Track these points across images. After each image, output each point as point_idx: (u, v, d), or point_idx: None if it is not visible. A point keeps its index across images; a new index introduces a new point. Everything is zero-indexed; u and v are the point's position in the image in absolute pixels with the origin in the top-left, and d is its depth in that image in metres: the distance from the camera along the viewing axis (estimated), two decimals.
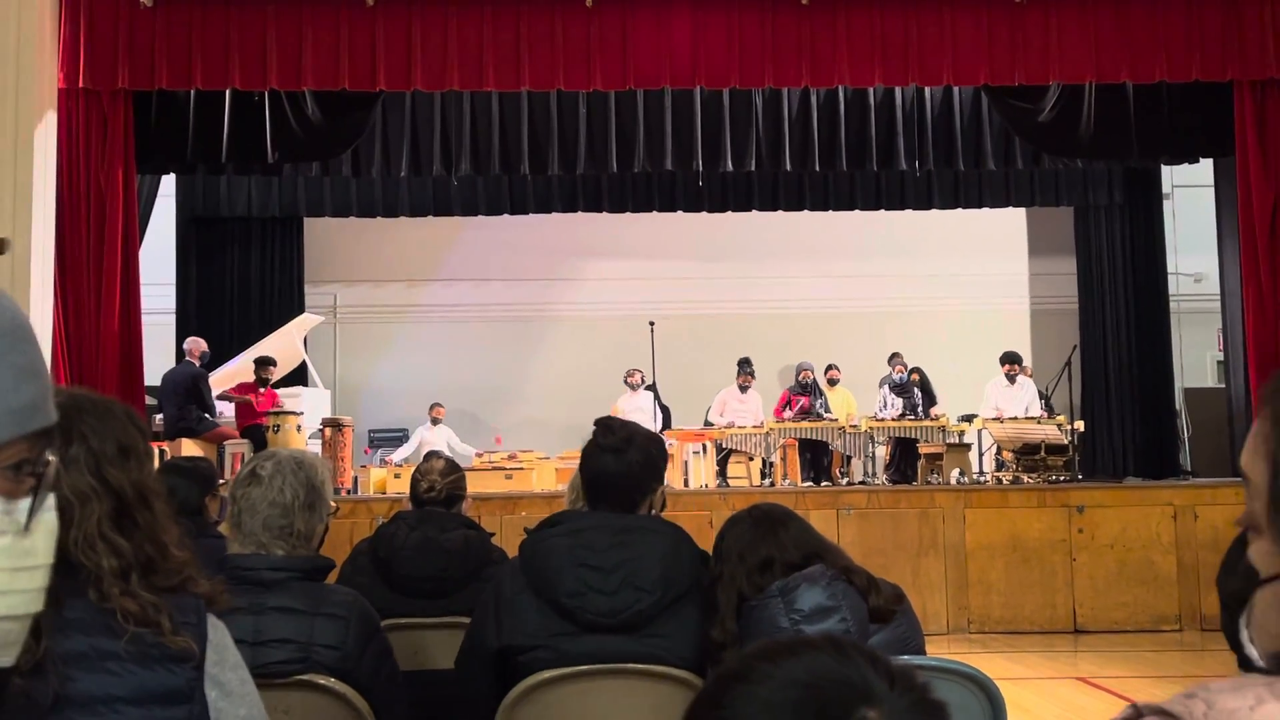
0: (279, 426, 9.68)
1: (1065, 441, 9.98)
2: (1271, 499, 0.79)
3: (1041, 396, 11.05)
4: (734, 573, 2.58)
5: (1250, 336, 9.60)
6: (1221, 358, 11.84)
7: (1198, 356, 13.62)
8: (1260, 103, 9.60)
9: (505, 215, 12.98)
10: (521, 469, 10.37)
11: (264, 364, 10.60)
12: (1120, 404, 12.99)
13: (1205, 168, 11.31)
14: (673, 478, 10.29)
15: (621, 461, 2.55)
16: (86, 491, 1.57)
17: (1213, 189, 11.09)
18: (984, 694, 2.55)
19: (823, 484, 10.36)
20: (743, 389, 11.40)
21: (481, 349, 13.79)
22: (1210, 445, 11.84)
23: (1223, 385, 11.64)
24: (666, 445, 10.47)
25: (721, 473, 10.67)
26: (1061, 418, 10.33)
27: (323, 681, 2.41)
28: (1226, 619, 1.46)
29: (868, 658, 0.79)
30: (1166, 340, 13.09)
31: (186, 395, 9.92)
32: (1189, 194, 13.09)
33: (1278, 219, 9.53)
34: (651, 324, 10.79)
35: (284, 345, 11.68)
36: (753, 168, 11.27)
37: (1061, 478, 9.67)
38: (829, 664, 0.78)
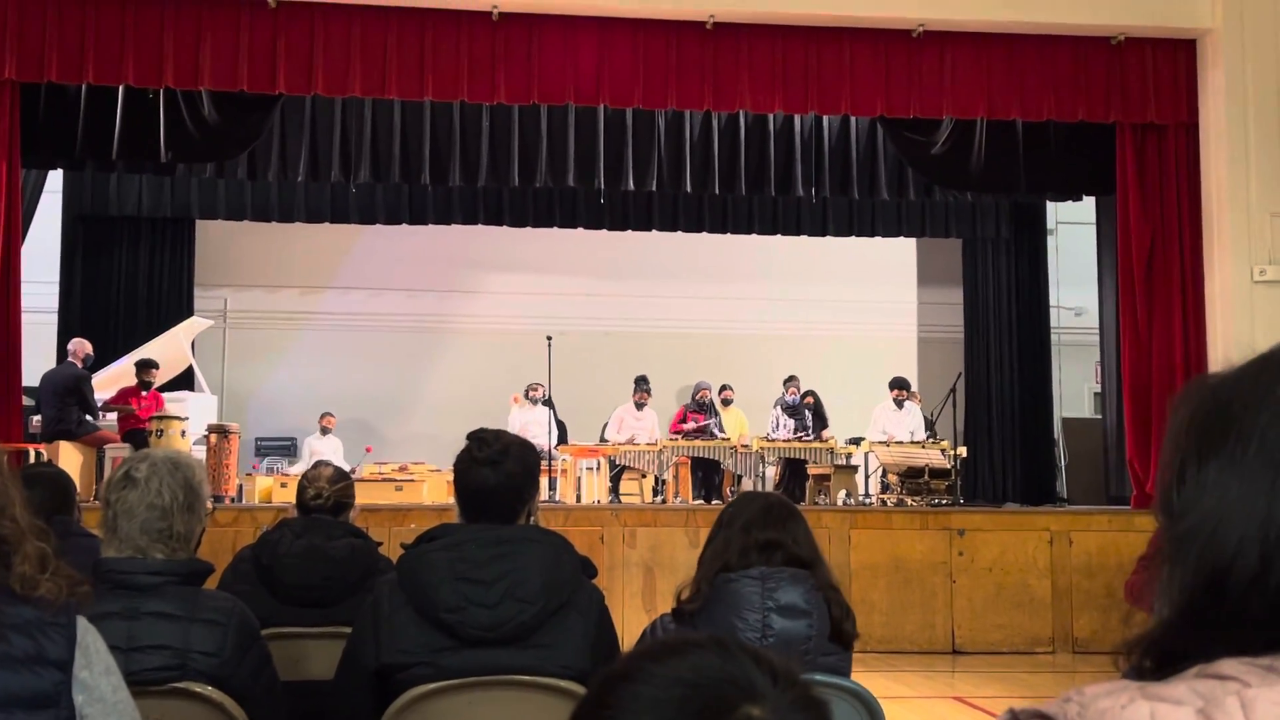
0: (162, 431, 9.42)
1: (948, 466, 10.19)
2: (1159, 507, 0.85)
3: (927, 422, 11.29)
4: (730, 540, 2.60)
5: (1126, 369, 9.93)
6: (1098, 389, 12.22)
7: (1076, 387, 14.05)
8: (1140, 145, 9.97)
9: (404, 225, 12.86)
10: (412, 480, 10.26)
11: (145, 367, 10.32)
12: (1001, 431, 13.32)
13: (1088, 205, 11.69)
14: (565, 493, 10.28)
15: (499, 473, 2.52)
16: None
17: (1094, 226, 11.48)
18: (865, 709, 2.59)
19: (714, 502, 10.41)
20: (639, 406, 11.42)
21: (375, 359, 13.62)
22: (1086, 473, 12.20)
23: (1099, 416, 12.02)
24: (559, 461, 10.49)
25: (614, 489, 10.68)
26: (945, 443, 10.54)
27: (199, 689, 2.35)
28: None
29: (752, 656, 0.80)
30: (1047, 371, 13.49)
31: (67, 396, 9.59)
32: (1072, 230, 13.51)
33: (1154, 257, 9.89)
34: (549, 339, 10.77)
35: (170, 349, 11.38)
36: (654, 188, 11.34)
37: (944, 501, 9.87)
38: (714, 662, 0.79)
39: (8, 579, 1.58)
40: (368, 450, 12.19)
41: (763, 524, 2.64)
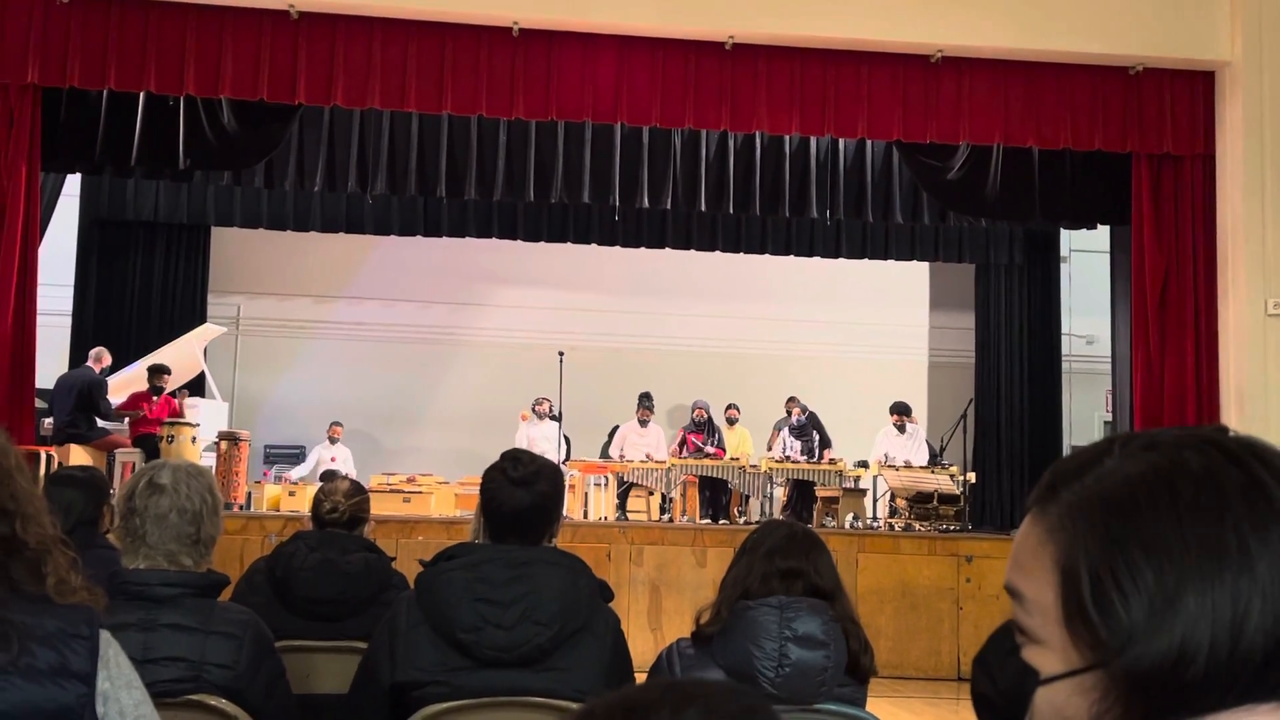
0: (173, 437, 9.43)
1: (957, 492, 10.16)
2: (1064, 617, 0.78)
3: (931, 448, 11.26)
4: (752, 566, 2.60)
5: (1137, 399, 9.90)
6: (1109, 418, 12.19)
7: (1086, 416, 14.01)
8: (1156, 175, 9.96)
9: (419, 236, 12.88)
10: (420, 493, 10.24)
11: (157, 372, 10.34)
12: (1010, 458, 13.27)
13: (1102, 234, 11.68)
14: (573, 509, 10.26)
15: (532, 493, 2.52)
16: None
17: (1108, 255, 11.46)
18: None
19: (720, 522, 10.40)
20: (642, 423, 11.42)
21: (385, 370, 13.62)
22: None
23: None
24: (567, 477, 10.49)
25: (621, 506, 10.66)
26: (954, 468, 10.52)
27: (213, 702, 2.35)
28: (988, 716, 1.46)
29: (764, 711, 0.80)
30: (1057, 398, 13.45)
31: (80, 400, 9.62)
32: (1085, 258, 13.49)
33: (1168, 287, 9.87)
34: (561, 354, 10.77)
35: (183, 355, 11.40)
36: (668, 206, 11.35)
37: (952, 527, 9.84)
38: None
39: (40, 587, 1.58)
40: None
41: (785, 552, 2.64)
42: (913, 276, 14.22)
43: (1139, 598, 0.74)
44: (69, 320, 12.28)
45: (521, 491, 2.52)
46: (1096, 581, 0.76)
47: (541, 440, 10.86)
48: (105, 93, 9.42)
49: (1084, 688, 0.76)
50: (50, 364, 10.57)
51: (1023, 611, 0.82)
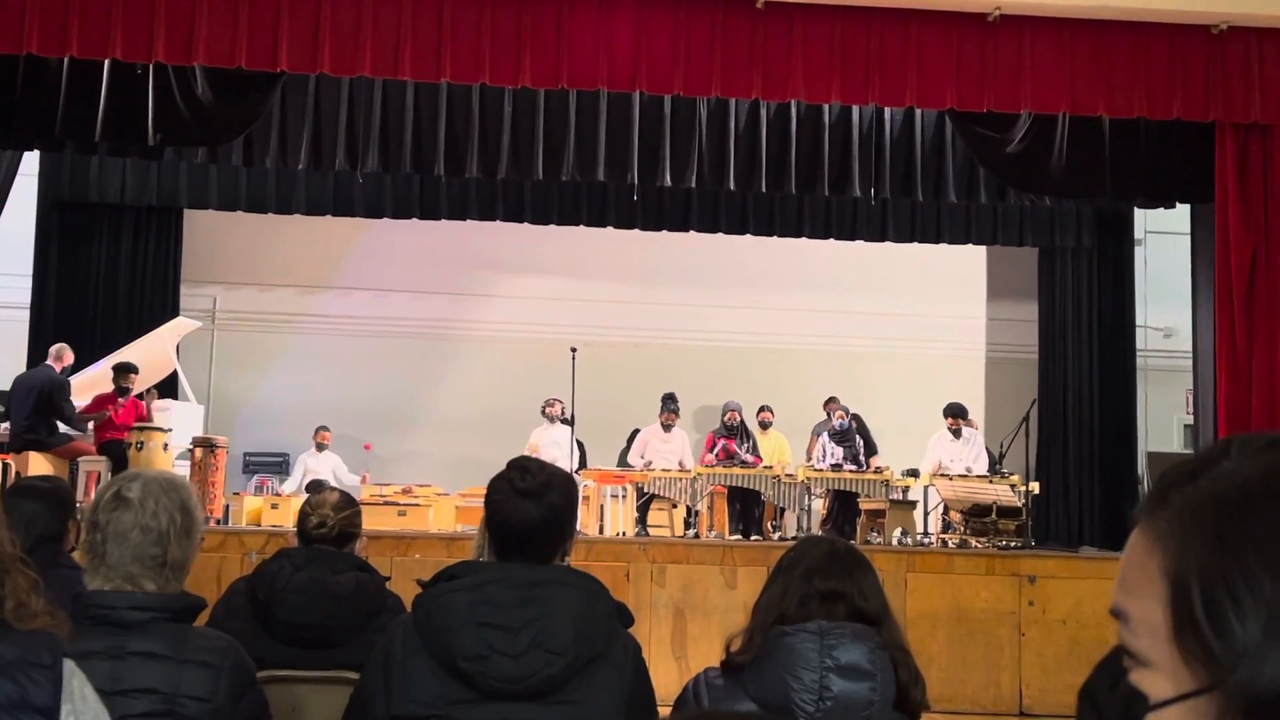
0: (142, 444, 9.49)
1: (1019, 504, 10.12)
2: (1174, 631, 0.78)
3: (991, 455, 11.21)
4: (788, 587, 2.59)
5: (1222, 400, 9.84)
6: (1190, 421, 12.12)
7: (1164, 418, 13.93)
8: (1242, 147, 9.89)
9: (414, 220, 12.91)
10: (417, 505, 10.27)
11: (123, 371, 10.39)
12: (1079, 466, 13.21)
13: (1182, 213, 11.61)
14: (587, 523, 10.27)
15: (542, 506, 2.52)
16: None
17: (1189, 237, 11.39)
18: None
19: (752, 538, 10.39)
20: (666, 428, 11.41)
21: (378, 368, 13.66)
22: None
23: (1190, 451, 11.90)
24: (581, 487, 10.49)
25: (641, 520, 10.66)
26: (1015, 478, 10.48)
27: None
28: None
29: None
30: (1131, 399, 13.37)
31: (40, 403, 9.68)
32: (1163, 241, 13.41)
33: (1256, 273, 9.81)
34: (574, 350, 10.79)
35: (153, 352, 11.46)
36: (693, 184, 11.33)
37: (1013, 544, 9.81)
38: None
39: None
40: (367, 448, 12.19)
41: (826, 572, 2.63)
42: (968, 262, 14.17)
43: (1255, 609, 0.74)
44: (27, 314, 12.36)
45: (530, 504, 2.52)
46: (1208, 591, 0.76)
47: (552, 446, 10.86)
48: (66, 60, 9.46)
49: (1197, 713, 0.76)
50: (6, 362, 10.64)
51: (1129, 633, 0.82)
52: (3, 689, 1.58)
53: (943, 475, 10.67)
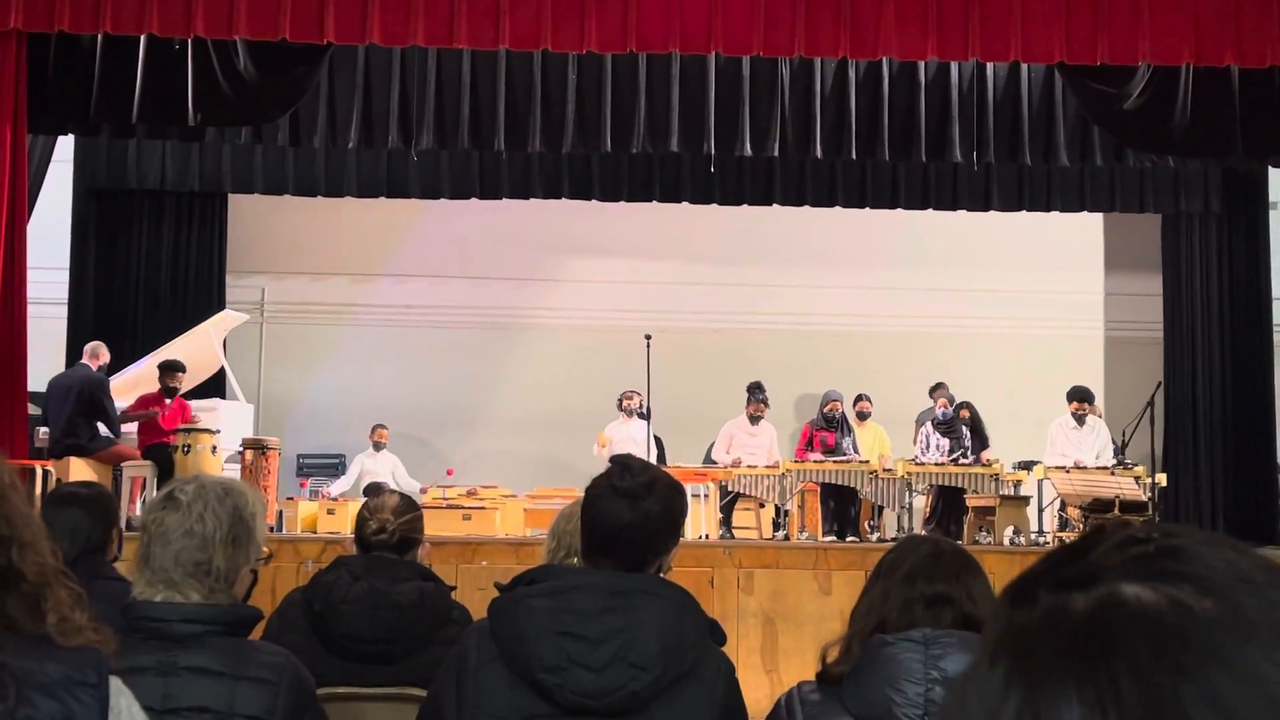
0: (190, 447, 9.62)
1: (1144, 498, 9.99)
2: None
3: (1115, 443, 11.07)
4: (889, 592, 2.57)
5: None
6: None
7: None
8: None
9: (473, 200, 12.97)
10: (483, 509, 10.31)
11: (170, 370, 10.55)
12: (1209, 455, 13.03)
13: None
14: None
15: (638, 510, 2.51)
16: None
17: None
18: None
19: (848, 539, 10.33)
20: (753, 420, 11.37)
21: (437, 361, 13.76)
22: None
23: None
24: None
25: (726, 521, 10.65)
26: (1140, 469, 10.35)
27: None
28: None
29: None
30: (1268, 380, 13.13)
31: (80, 404, 9.85)
32: None
33: None
34: (648, 338, 10.78)
35: (198, 348, 11.62)
36: (776, 154, 11.30)
37: None
38: None
39: (40, 627, 1.62)
40: (449, 474, 12.27)
41: (930, 575, 2.60)
42: (1083, 231, 13.99)
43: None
44: (64, 310, 12.58)
45: (624, 505, 2.52)
46: None
47: (628, 443, 10.86)
48: (100, 37, 9.62)
49: None
50: (44, 363, 10.84)
51: None
52: (46, 708, 1.60)
53: (1059, 468, 10.54)
